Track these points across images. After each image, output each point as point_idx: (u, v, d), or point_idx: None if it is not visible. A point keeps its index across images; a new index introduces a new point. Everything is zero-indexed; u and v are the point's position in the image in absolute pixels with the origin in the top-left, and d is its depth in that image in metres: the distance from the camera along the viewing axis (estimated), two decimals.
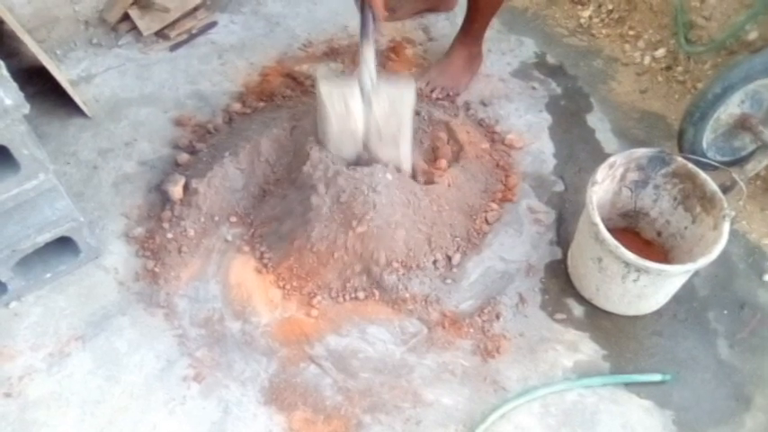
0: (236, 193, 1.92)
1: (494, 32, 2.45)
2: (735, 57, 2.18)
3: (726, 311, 1.83)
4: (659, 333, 1.79)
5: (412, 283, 1.81)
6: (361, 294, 1.79)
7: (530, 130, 2.20)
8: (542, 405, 1.66)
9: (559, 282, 1.87)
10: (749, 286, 1.88)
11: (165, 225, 1.86)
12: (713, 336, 1.79)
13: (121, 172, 2.01)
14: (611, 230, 1.62)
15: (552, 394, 1.67)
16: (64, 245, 1.73)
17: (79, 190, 1.96)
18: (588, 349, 1.75)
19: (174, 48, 2.36)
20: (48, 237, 1.67)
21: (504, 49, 2.45)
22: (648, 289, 1.67)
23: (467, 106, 2.24)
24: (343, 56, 2.37)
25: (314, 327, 1.75)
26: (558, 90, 2.34)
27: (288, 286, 1.80)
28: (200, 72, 2.29)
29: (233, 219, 1.91)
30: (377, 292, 1.79)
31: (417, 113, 2.04)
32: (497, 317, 1.78)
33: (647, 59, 2.41)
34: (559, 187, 2.07)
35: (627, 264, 1.60)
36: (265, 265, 1.83)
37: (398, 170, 1.84)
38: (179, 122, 2.13)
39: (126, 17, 2.32)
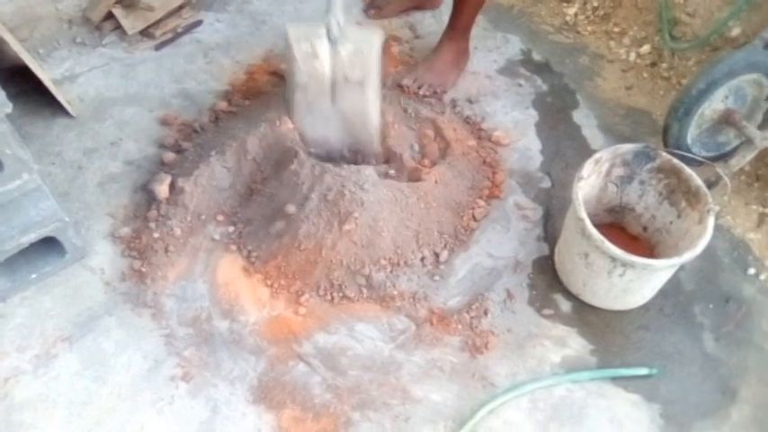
0: (222, 191, 1.91)
1: (480, 30, 2.45)
2: (718, 53, 2.20)
3: (711, 305, 1.85)
4: (646, 327, 1.80)
5: (400, 280, 1.81)
6: (349, 292, 1.79)
7: (516, 127, 2.21)
8: (531, 400, 1.67)
9: (547, 277, 1.88)
10: (734, 280, 1.89)
11: (152, 225, 1.85)
12: (699, 329, 1.81)
13: (107, 172, 2.00)
14: (597, 226, 1.63)
15: (540, 389, 1.68)
16: (49, 245, 1.72)
17: (64, 190, 1.94)
18: (576, 344, 1.76)
19: (159, 47, 2.34)
20: (32, 237, 1.66)
21: (490, 47, 2.46)
22: (635, 284, 1.68)
23: (453, 103, 2.24)
24: None
25: (302, 325, 1.75)
26: (544, 87, 2.35)
27: (275, 285, 1.80)
28: (186, 71, 2.28)
29: (220, 218, 1.90)
30: (365, 290, 1.79)
31: (405, 111, 2.04)
32: (485, 313, 1.79)
33: (632, 56, 2.43)
34: (546, 183, 2.08)
35: (613, 259, 1.61)
36: (253, 264, 1.82)
37: (385, 167, 1.85)
38: (165, 122, 2.12)
39: (110, 16, 2.31)
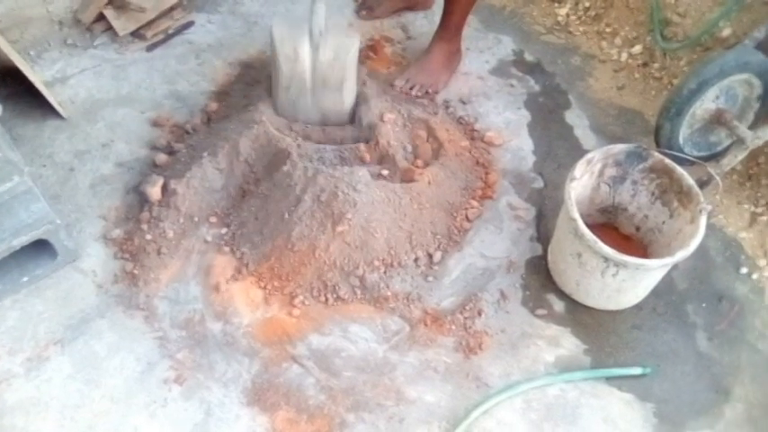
0: (215, 193, 1.91)
1: (472, 31, 2.46)
2: (709, 53, 2.21)
3: (704, 304, 1.85)
4: (639, 327, 1.80)
5: (393, 281, 1.81)
6: (342, 293, 1.78)
7: (509, 128, 2.21)
8: (524, 400, 1.67)
9: (540, 277, 1.88)
10: (726, 279, 1.90)
11: (144, 226, 1.84)
12: (692, 328, 1.81)
13: (98, 174, 1.99)
14: (590, 226, 1.63)
15: (534, 389, 1.68)
16: (40, 248, 1.71)
17: (55, 192, 1.93)
18: (569, 344, 1.77)
19: (150, 48, 2.34)
20: (24, 240, 1.65)
21: (482, 48, 2.46)
22: (627, 283, 1.69)
23: (446, 104, 2.25)
24: None
25: (296, 326, 1.75)
26: (537, 87, 2.35)
27: (269, 286, 1.79)
28: (178, 72, 2.27)
29: (212, 219, 1.90)
30: (358, 291, 1.79)
31: (397, 112, 2.04)
32: (479, 313, 1.79)
33: (623, 56, 2.44)
34: (539, 184, 2.08)
35: (606, 258, 1.62)
36: (246, 266, 1.82)
37: (382, 174, 1.86)
38: (156, 123, 2.11)
39: (101, 17, 2.30)
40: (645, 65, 2.40)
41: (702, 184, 1.79)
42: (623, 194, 1.86)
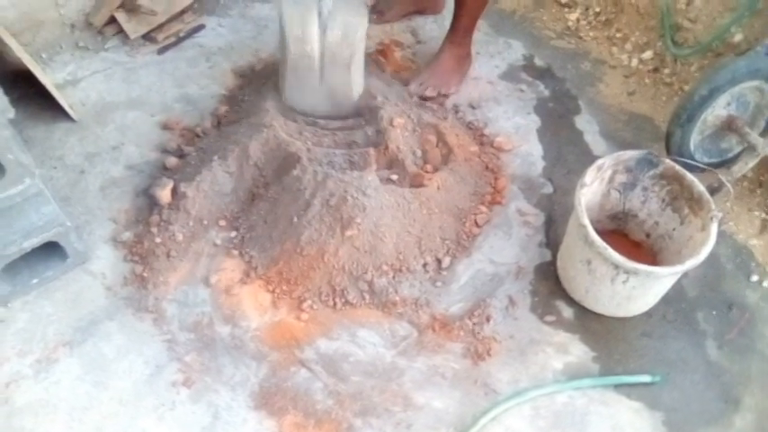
0: (224, 196, 1.91)
1: (482, 35, 2.45)
2: (720, 59, 2.20)
3: (714, 312, 1.84)
4: (648, 334, 1.79)
5: (402, 286, 1.81)
6: (351, 298, 1.78)
7: (518, 133, 2.21)
8: (533, 407, 1.66)
9: (549, 284, 1.87)
10: (737, 287, 1.89)
11: (154, 229, 1.85)
12: (702, 336, 1.80)
13: (109, 176, 2.00)
14: (599, 232, 1.62)
15: (542, 396, 1.67)
16: (51, 250, 1.72)
17: (66, 194, 1.94)
18: (578, 351, 1.76)
19: (161, 51, 2.35)
20: (34, 242, 1.66)
21: (492, 52, 2.46)
22: (637, 290, 1.68)
23: (456, 109, 2.24)
24: None
25: (304, 331, 1.75)
26: (546, 92, 2.35)
27: (277, 290, 1.79)
28: (188, 75, 2.28)
29: (222, 223, 1.90)
30: (367, 296, 1.79)
31: (407, 116, 2.04)
32: (487, 319, 1.78)
33: (634, 62, 2.43)
34: (548, 189, 2.08)
35: (616, 266, 1.61)
36: (255, 269, 1.82)
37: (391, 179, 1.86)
38: (167, 126, 2.12)
39: (112, 20, 2.31)
40: (655, 70, 2.40)
41: (713, 191, 1.79)
42: (634, 201, 1.85)
